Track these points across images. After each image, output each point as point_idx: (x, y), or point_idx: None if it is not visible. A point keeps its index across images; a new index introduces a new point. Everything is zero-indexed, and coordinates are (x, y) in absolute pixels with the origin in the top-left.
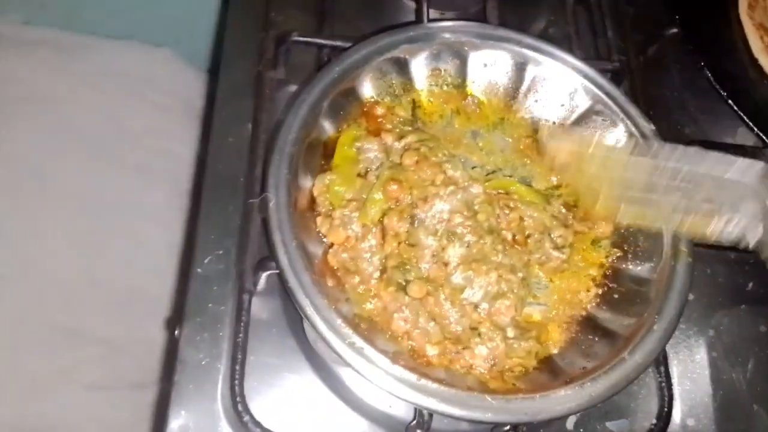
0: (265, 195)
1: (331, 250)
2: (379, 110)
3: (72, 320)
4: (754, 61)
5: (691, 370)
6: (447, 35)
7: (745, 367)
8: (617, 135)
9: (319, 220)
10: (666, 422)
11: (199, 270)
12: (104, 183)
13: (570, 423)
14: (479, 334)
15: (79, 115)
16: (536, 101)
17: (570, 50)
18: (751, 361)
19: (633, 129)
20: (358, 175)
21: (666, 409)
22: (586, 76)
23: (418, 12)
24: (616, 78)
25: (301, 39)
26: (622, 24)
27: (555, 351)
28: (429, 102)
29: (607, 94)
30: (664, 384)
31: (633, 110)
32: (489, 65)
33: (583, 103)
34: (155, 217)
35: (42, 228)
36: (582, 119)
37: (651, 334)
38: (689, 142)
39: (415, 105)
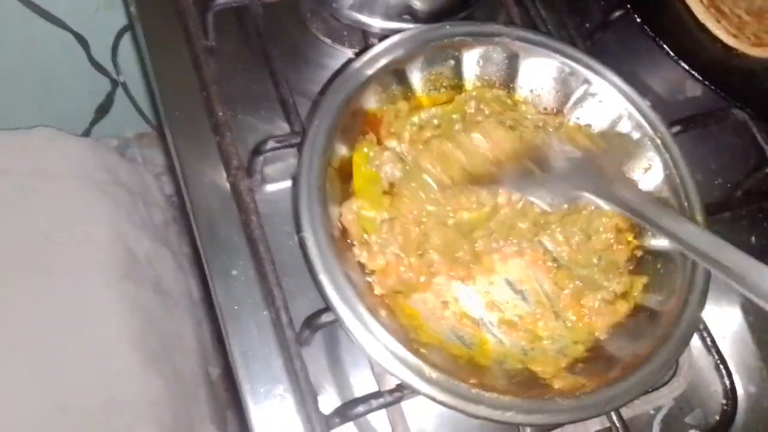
0: (301, 235)
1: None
2: (384, 117)
3: None
4: (702, 26)
5: (735, 340)
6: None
7: None
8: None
9: (355, 250)
10: (734, 398)
11: None
12: (29, 300)
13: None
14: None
15: None
16: (531, 91)
17: None
18: None
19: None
20: (384, 192)
21: (729, 386)
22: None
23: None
24: None
25: (279, 145)
26: (560, 14)
27: (603, 337)
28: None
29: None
30: (719, 362)
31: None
32: (482, 61)
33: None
34: (100, 315)
35: None
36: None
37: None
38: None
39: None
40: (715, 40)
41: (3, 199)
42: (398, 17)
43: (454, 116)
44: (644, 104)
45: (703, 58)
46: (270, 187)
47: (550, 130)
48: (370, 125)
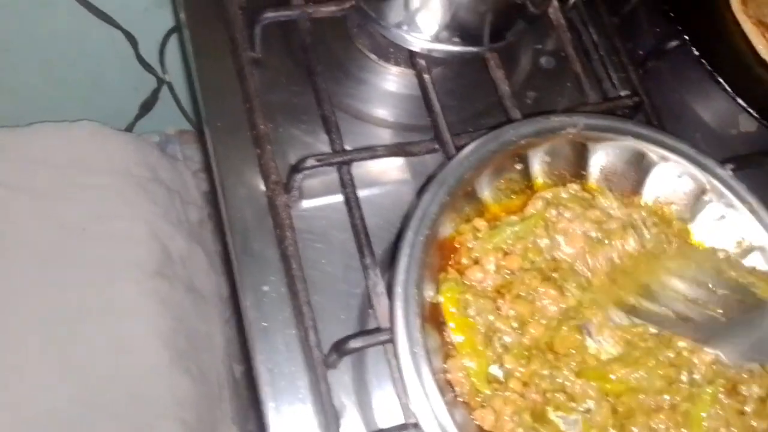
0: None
1: None
2: (462, 242)
3: None
4: (762, 62)
5: None
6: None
7: None
8: None
9: (477, 414)
10: None
11: None
12: (63, 292)
13: None
14: None
15: (7, 222)
16: (604, 176)
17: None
18: None
19: None
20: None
21: None
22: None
23: (437, 129)
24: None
25: (318, 164)
26: (613, 39)
27: None
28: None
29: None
30: None
31: None
32: (550, 157)
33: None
34: (132, 311)
35: (14, 362)
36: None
37: None
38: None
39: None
40: None
41: (43, 190)
42: (446, 39)
43: (536, 230)
44: (725, 173)
45: (761, 96)
46: (306, 203)
47: (638, 221)
48: (447, 256)
